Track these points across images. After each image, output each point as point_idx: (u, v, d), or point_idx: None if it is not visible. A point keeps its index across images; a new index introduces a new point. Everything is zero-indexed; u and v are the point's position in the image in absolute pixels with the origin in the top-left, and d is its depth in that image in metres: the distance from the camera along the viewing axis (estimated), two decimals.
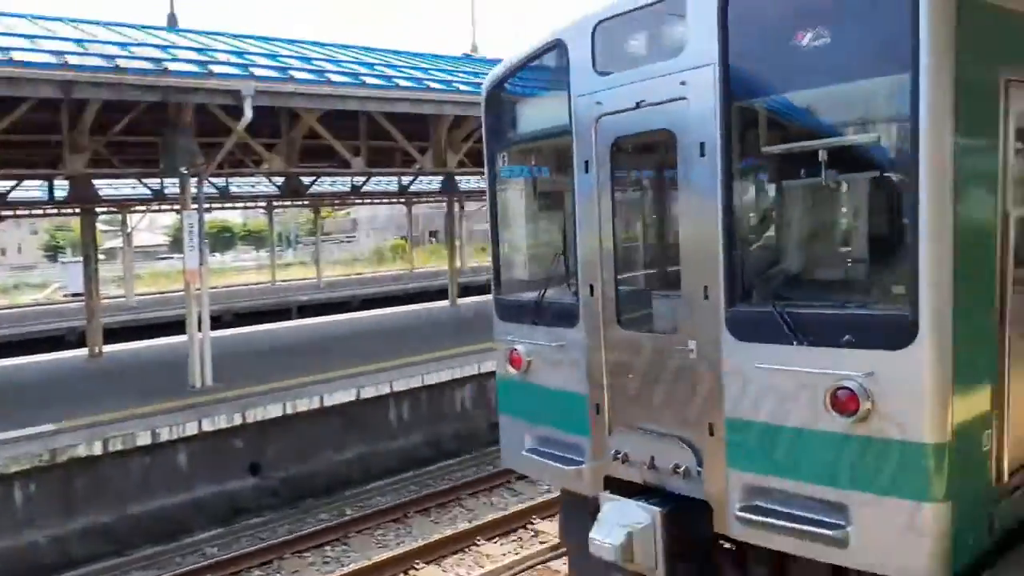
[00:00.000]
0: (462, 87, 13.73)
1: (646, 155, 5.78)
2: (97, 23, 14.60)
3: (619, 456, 5.13)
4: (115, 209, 29.60)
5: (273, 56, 13.39)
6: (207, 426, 10.41)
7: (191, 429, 10.27)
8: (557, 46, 5.41)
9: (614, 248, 5.21)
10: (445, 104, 13.42)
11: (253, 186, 30.53)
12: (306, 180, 26.05)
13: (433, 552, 8.87)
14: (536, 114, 6.01)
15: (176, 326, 19.12)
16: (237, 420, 10.64)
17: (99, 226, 25.82)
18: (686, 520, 4.77)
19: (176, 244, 52.42)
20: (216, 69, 11.38)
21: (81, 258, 17.93)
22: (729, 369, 4.51)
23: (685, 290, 4.74)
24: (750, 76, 4.44)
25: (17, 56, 9.95)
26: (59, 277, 45.14)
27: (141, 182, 24.82)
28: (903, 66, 3.77)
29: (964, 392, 3.98)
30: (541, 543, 9.06)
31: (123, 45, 12.21)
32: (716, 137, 4.46)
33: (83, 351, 16.97)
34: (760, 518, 4.41)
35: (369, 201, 39.84)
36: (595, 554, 4.91)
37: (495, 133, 6.25)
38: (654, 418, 4.98)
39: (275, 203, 35.89)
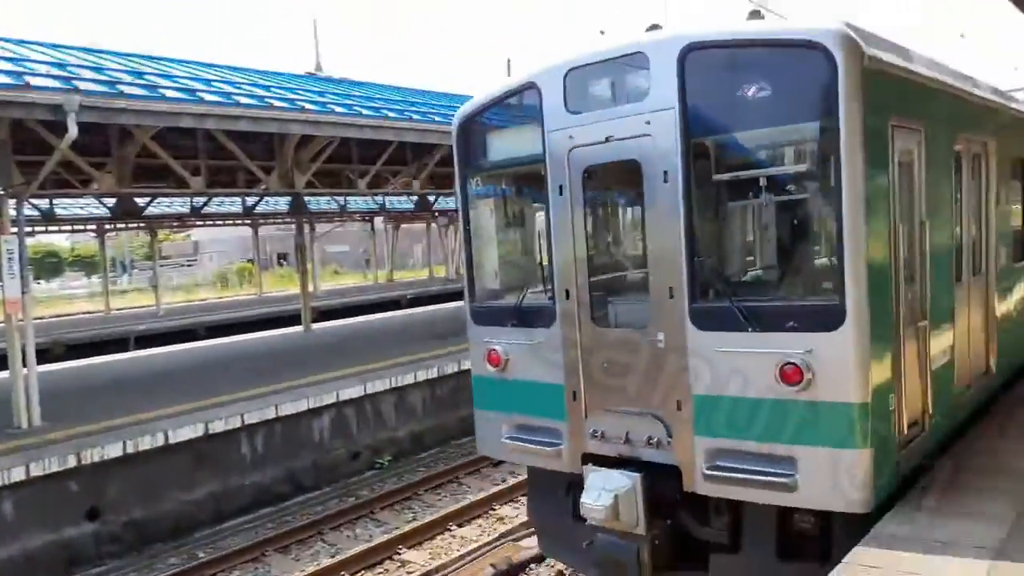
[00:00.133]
0: (308, 105, 13.28)
1: (613, 180, 6.56)
2: None
3: (596, 434, 6.09)
4: None
5: (99, 69, 12.42)
6: (36, 470, 9.41)
7: (17, 475, 9.26)
8: (531, 87, 6.31)
9: (587, 258, 6.18)
10: (291, 123, 12.94)
11: (83, 207, 28.36)
12: (141, 201, 24.46)
13: None
14: (508, 144, 6.81)
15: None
16: (71, 462, 9.68)
17: None
18: (660, 483, 5.77)
19: None
20: (34, 81, 10.41)
21: None
22: (693, 354, 5.56)
23: (653, 291, 5.77)
24: (705, 118, 5.50)
25: None
26: None
27: None
28: (828, 114, 4.97)
29: (876, 363, 5.17)
30: (408, 573, 8.80)
31: None
32: (677, 167, 5.50)
33: None
34: (724, 475, 5.48)
35: (211, 223, 37.91)
36: (587, 512, 5.81)
37: (467, 159, 7.04)
38: (627, 400, 5.92)
39: (107, 226, 33.48)
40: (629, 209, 6.88)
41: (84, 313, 36.68)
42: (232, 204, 30.55)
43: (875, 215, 5.17)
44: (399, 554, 9.25)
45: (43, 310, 35.47)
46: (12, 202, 11.04)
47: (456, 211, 7.34)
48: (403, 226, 46.43)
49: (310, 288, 26.16)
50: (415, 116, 15.01)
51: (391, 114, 14.53)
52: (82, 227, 34.64)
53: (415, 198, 28.71)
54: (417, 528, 9.80)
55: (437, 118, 15.51)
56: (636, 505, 5.77)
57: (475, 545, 9.26)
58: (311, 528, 10.21)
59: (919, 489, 5.72)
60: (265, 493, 11.48)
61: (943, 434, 6.47)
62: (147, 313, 33.34)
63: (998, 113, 8.13)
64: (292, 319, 25.70)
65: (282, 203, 29.36)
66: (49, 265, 66.21)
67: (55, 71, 11.37)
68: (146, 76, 12.71)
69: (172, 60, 15.57)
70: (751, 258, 6.04)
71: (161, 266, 40.82)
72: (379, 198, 32.00)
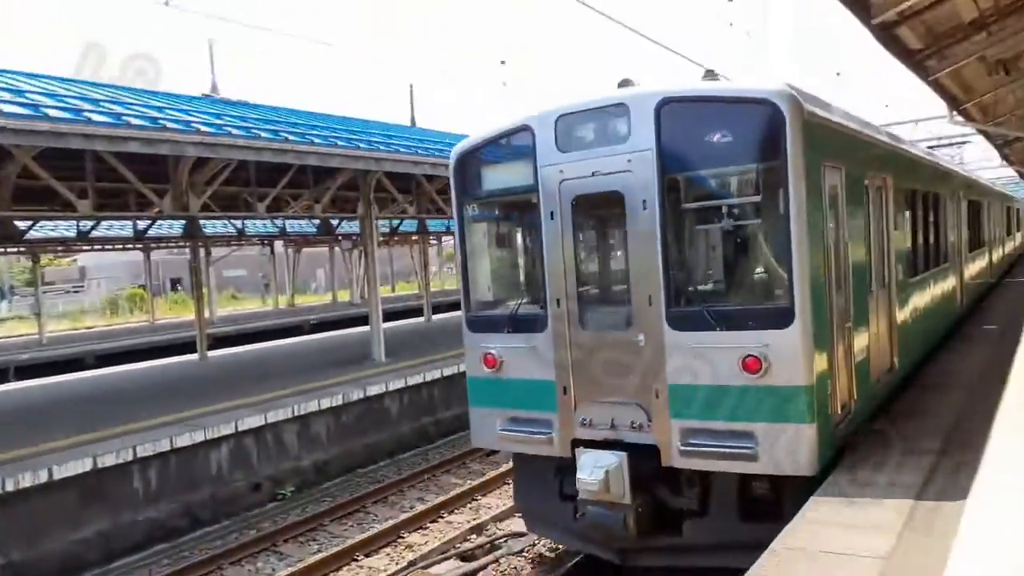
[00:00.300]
0: (203, 128, 12.91)
1: (598, 208, 7.56)
2: None
3: (585, 422, 7.16)
4: None
5: None
6: None
7: None
8: (525, 129, 7.41)
9: (575, 272, 7.29)
10: (186, 145, 12.53)
11: None
12: (22, 225, 23.12)
13: None
14: (503, 176, 7.82)
15: None
16: None
17: None
18: (642, 460, 6.82)
19: None
20: None
21: None
22: (669, 351, 6.70)
23: (635, 299, 6.90)
24: (677, 158, 6.67)
25: None
26: None
27: None
28: (778, 156, 6.27)
29: (818, 354, 6.42)
30: None
31: None
32: (655, 197, 6.70)
33: None
34: (696, 450, 6.62)
35: (100, 247, 36.16)
36: (581, 489, 6.87)
37: (464, 189, 8.08)
38: (612, 391, 7.03)
39: None
40: (611, 231, 7.84)
41: None
42: (122, 228, 29.27)
43: (814, 236, 6.46)
44: None
45: None
46: None
47: (452, 233, 8.30)
48: (305, 250, 45.54)
49: (206, 314, 25.32)
50: (316, 140, 14.81)
51: (291, 137, 14.28)
52: None
53: (317, 221, 28.23)
54: (322, 560, 9.56)
55: (340, 142, 15.36)
56: (623, 479, 6.79)
57: (384, 575, 9.12)
58: (209, 564, 9.81)
59: (846, 464, 6.82)
60: (160, 529, 10.97)
61: (863, 417, 7.73)
62: (30, 342, 31.48)
63: (894, 154, 9.79)
64: (187, 346, 24.79)
65: (176, 226, 28.30)
66: None
67: None
68: (27, 94, 12.10)
69: (57, 79, 14.89)
70: (715, 271, 7.08)
71: (44, 292, 38.59)
72: (279, 221, 31.27)
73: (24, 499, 9.75)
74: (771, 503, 6.67)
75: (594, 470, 6.78)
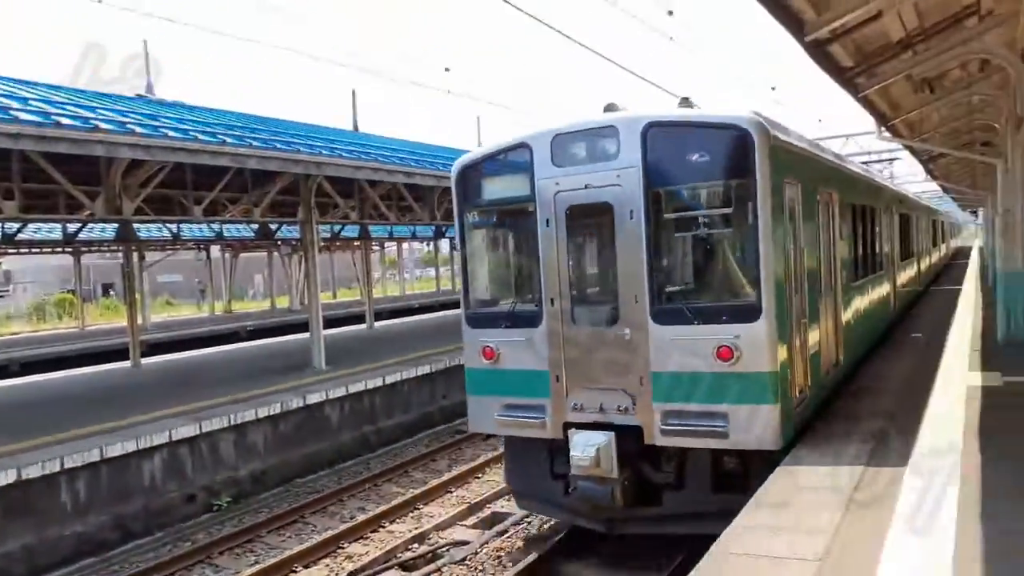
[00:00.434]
0: (138, 129, 12.56)
1: (590, 217, 8.23)
2: None
3: (576, 407, 8.04)
4: None
5: None
6: None
7: None
8: (523, 146, 8.32)
9: (568, 275, 8.19)
10: (119, 146, 12.17)
11: None
12: None
13: None
14: (502, 187, 8.64)
15: None
16: None
17: None
18: (627, 440, 7.72)
19: None
20: None
21: None
22: (653, 342, 7.62)
23: (622, 298, 7.82)
24: (661, 174, 7.61)
25: None
26: None
27: None
28: (748, 174, 7.25)
29: (780, 345, 7.37)
30: None
31: None
32: (640, 208, 7.64)
33: None
34: (675, 429, 7.53)
35: (27, 251, 34.84)
36: (574, 465, 7.69)
37: (465, 198, 8.92)
38: (600, 379, 7.94)
39: None
40: (601, 237, 8.42)
41: None
42: (51, 231, 28.25)
43: (777, 243, 7.41)
44: None
45: None
46: None
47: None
48: (243, 255, 44.65)
49: (139, 320, 24.63)
50: (255, 143, 14.55)
51: (229, 140, 14.00)
52: None
53: (256, 226, 27.73)
54: (259, 572, 9.36)
55: (279, 145, 15.13)
56: (611, 456, 7.67)
57: None
58: None
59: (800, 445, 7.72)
60: (88, 543, 10.60)
61: (815, 405, 8.75)
62: None
63: (839, 172, 10.99)
64: (119, 353, 24.05)
65: (108, 230, 27.44)
66: None
67: None
68: None
69: None
70: (693, 272, 8.05)
71: None
72: (216, 225, 30.59)
73: None
74: (739, 476, 7.62)
75: (586, 448, 7.64)
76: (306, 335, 19.22)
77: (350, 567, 9.44)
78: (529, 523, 10.21)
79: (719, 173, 7.49)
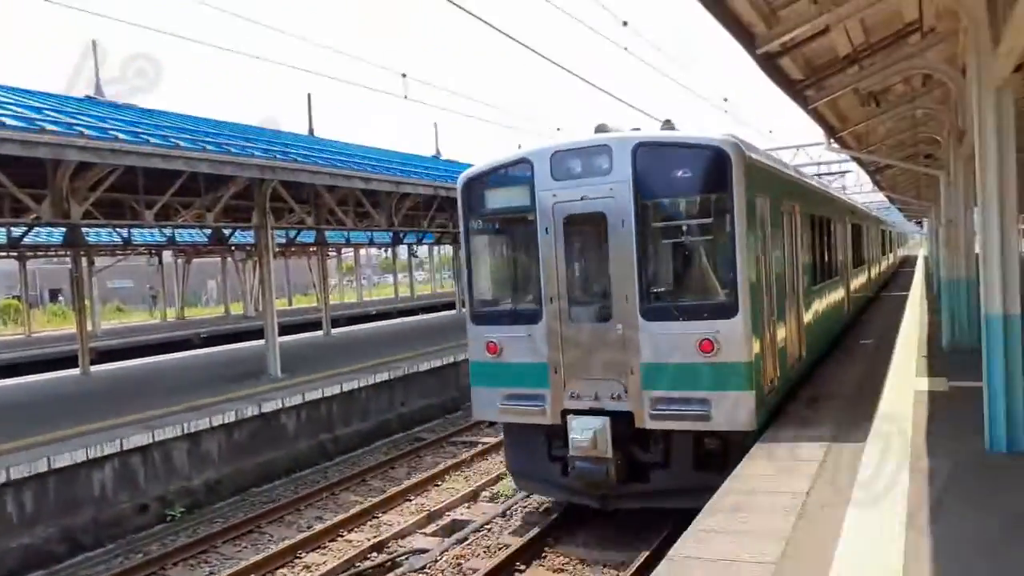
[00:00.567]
0: (87, 131, 12.30)
1: (585, 225, 9.11)
2: None
3: (573, 395, 8.94)
4: None
5: None
6: None
7: None
8: (525, 161, 9.21)
9: (566, 277, 9.10)
10: (67, 148, 11.91)
11: None
12: None
13: None
14: (504, 197, 9.52)
15: None
16: None
17: None
18: (619, 424, 8.61)
19: None
20: None
21: None
22: (642, 337, 8.55)
23: (615, 297, 8.75)
24: (649, 188, 8.56)
25: None
26: None
27: None
28: (726, 189, 8.23)
29: (754, 339, 8.37)
30: None
31: None
32: (631, 218, 8.56)
33: None
34: (663, 414, 8.48)
35: None
36: (574, 447, 8.64)
37: (470, 207, 9.77)
38: (595, 370, 8.84)
39: None
40: (595, 243, 9.18)
41: None
42: None
43: (751, 249, 8.38)
44: None
45: None
46: None
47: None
48: (196, 260, 43.90)
49: (89, 327, 24.08)
50: (209, 147, 14.37)
51: (182, 143, 13.79)
52: None
53: (209, 231, 27.33)
54: None
55: (233, 149, 14.97)
56: (607, 438, 8.55)
57: None
58: None
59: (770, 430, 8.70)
60: (36, 555, 10.33)
61: (782, 394, 9.72)
62: None
63: (800, 186, 12.18)
64: (68, 361, 23.46)
65: (56, 234, 26.77)
66: None
67: None
68: None
69: None
70: (677, 275, 8.96)
71: None
72: (168, 230, 30.03)
73: None
74: (718, 456, 8.50)
75: (584, 431, 8.56)
76: (261, 342, 18.99)
77: None
78: (489, 530, 10.24)
79: (700, 188, 8.44)
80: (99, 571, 10.08)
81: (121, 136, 12.82)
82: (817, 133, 15.17)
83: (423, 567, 9.24)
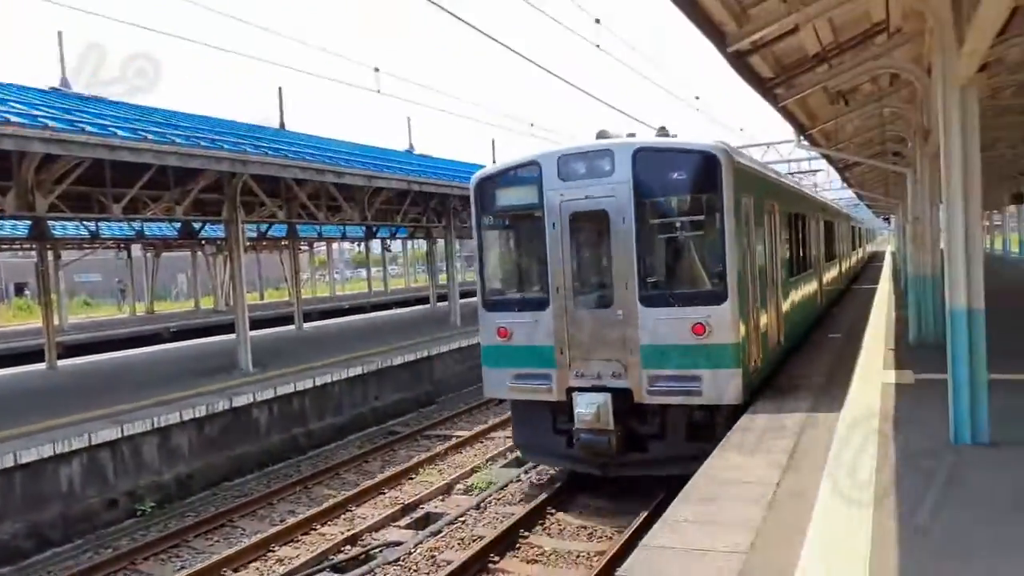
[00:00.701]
0: (52, 123, 12.10)
1: (589, 221, 10.01)
2: None
3: (578, 375, 9.91)
4: None
5: None
6: None
7: None
8: (534, 164, 10.18)
9: (572, 268, 10.06)
10: (32, 140, 11.68)
11: None
12: None
13: None
14: (515, 196, 10.44)
15: None
16: None
17: None
18: (620, 400, 9.57)
19: None
20: None
21: None
22: (641, 321, 9.52)
23: (616, 285, 9.70)
24: (647, 188, 9.52)
25: None
26: None
27: None
28: (716, 190, 9.22)
29: (741, 323, 9.33)
30: None
31: None
32: (631, 214, 9.54)
33: None
34: (659, 390, 9.46)
35: None
36: (579, 420, 9.59)
37: (482, 205, 10.71)
38: (598, 351, 9.81)
39: None
40: (598, 238, 10.03)
41: None
42: None
43: (738, 244, 9.35)
44: None
45: None
46: None
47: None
48: (165, 254, 43.35)
49: (56, 321, 23.72)
50: (178, 139, 14.19)
51: (151, 136, 13.62)
52: None
53: (178, 224, 26.98)
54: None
55: (203, 142, 14.80)
56: (608, 412, 9.50)
57: None
58: None
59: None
60: (3, 551, 10.19)
61: (765, 374, 10.74)
62: None
63: (779, 186, 13.31)
64: (35, 356, 23.09)
65: (21, 227, 26.30)
66: None
67: None
68: None
69: None
70: (672, 266, 9.83)
71: None
72: (137, 224, 29.62)
73: None
74: (708, 427, 9.37)
75: (588, 406, 9.52)
76: (232, 337, 18.83)
77: (281, 570, 9.33)
78: (463, 522, 10.29)
79: (693, 188, 9.41)
80: (68, 566, 9.97)
81: (88, 128, 12.63)
82: (787, 131, 15.37)
83: (397, 559, 9.26)
